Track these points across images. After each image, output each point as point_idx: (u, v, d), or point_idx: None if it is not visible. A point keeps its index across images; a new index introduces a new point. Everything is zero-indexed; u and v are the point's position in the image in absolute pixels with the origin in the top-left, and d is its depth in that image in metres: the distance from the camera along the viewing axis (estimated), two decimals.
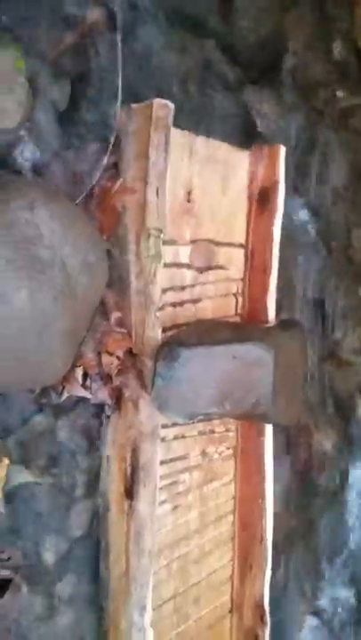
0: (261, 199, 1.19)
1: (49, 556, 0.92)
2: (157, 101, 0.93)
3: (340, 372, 1.53)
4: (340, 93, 1.43)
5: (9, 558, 0.83)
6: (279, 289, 1.26)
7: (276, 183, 1.17)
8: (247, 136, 1.25)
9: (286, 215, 1.22)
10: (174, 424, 1.06)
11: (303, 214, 1.43)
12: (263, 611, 1.16)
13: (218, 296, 1.15)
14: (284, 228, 1.19)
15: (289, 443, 1.37)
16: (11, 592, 0.83)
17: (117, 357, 0.89)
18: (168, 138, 0.95)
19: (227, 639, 1.19)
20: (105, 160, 0.89)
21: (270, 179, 1.17)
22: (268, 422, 1.05)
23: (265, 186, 1.19)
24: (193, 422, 1.04)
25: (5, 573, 0.84)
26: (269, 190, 1.18)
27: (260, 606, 1.16)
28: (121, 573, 0.96)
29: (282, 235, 1.18)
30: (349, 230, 1.56)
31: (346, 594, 1.48)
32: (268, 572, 1.17)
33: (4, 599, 0.83)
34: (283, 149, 1.17)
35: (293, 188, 1.37)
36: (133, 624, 0.94)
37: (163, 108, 0.94)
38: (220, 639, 1.18)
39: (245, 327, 1.07)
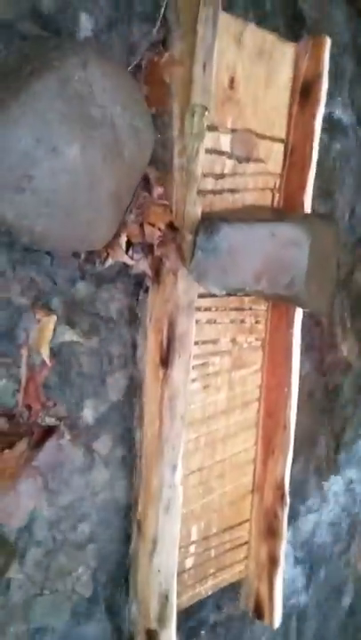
0: (304, 93, 1.19)
1: (88, 414, 0.98)
2: None
3: None
4: None
5: (55, 404, 0.89)
6: (316, 194, 1.28)
7: (319, 76, 1.16)
8: (295, 29, 1.23)
9: (329, 119, 1.22)
10: (207, 309, 1.11)
11: (346, 116, 1.42)
12: (284, 492, 1.23)
13: (256, 189, 1.17)
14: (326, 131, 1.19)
15: (316, 344, 1.41)
16: (56, 437, 0.90)
17: (159, 229, 0.93)
18: (217, 14, 0.95)
19: (247, 516, 1.27)
20: (154, 32, 0.89)
21: (314, 71, 1.17)
22: (300, 305, 1.08)
23: (308, 79, 1.18)
24: (229, 296, 1.08)
25: (51, 421, 0.91)
26: (312, 83, 1.17)
27: (280, 487, 1.23)
28: (154, 436, 1.02)
29: (324, 137, 1.18)
30: None
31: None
32: (290, 457, 1.23)
33: (51, 443, 0.90)
34: (328, 41, 1.16)
35: (341, 94, 1.37)
36: (165, 482, 1.01)
37: None
38: (241, 515, 1.26)
39: (285, 212, 1.09)
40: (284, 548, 1.24)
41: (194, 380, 1.11)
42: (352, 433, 1.52)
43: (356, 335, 1.49)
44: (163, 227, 0.94)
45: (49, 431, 0.89)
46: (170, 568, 1.02)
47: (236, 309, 1.18)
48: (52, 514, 0.96)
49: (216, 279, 0.94)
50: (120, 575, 1.05)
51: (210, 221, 0.93)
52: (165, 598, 1.02)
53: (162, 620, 1.02)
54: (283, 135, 1.21)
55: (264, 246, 0.95)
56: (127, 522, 1.05)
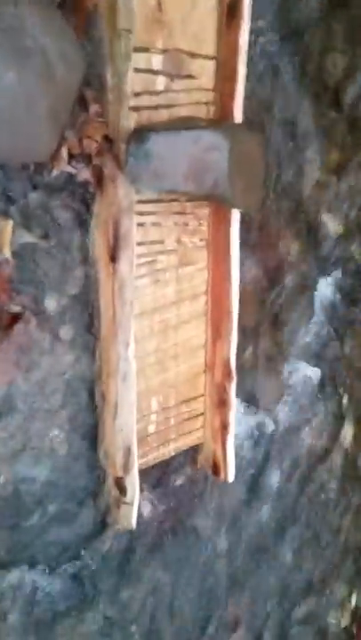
0: (230, 11, 1.31)
1: (51, 306, 1.18)
2: None
3: (309, 189, 1.71)
4: None
5: (19, 294, 1.09)
6: (252, 109, 1.42)
7: None
8: None
9: (259, 35, 1.34)
10: (152, 213, 1.28)
11: (274, 35, 1.53)
12: (230, 369, 1.45)
13: (190, 104, 1.32)
14: (258, 49, 1.31)
15: (258, 244, 1.59)
16: (23, 322, 1.10)
17: (96, 141, 1.09)
18: None
19: (202, 391, 1.49)
20: None
21: None
22: (228, 203, 1.25)
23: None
24: (171, 201, 1.25)
25: (17, 309, 1.10)
26: (237, 1, 1.29)
27: (227, 365, 1.45)
28: (109, 321, 1.22)
29: (256, 54, 1.31)
30: (324, 55, 1.66)
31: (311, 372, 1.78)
32: (235, 340, 1.44)
33: (19, 327, 1.10)
34: None
35: (268, 11, 1.48)
36: (120, 357, 1.22)
37: None
38: (195, 391, 1.48)
39: (209, 121, 1.24)
40: (233, 416, 1.47)
41: (144, 276, 1.30)
42: (294, 325, 1.72)
43: (296, 233, 1.67)
44: (99, 139, 1.10)
45: (16, 317, 1.09)
46: (130, 426, 1.25)
47: (179, 213, 1.35)
48: (27, 388, 1.17)
49: (149, 182, 1.11)
50: (90, 436, 1.28)
51: (140, 131, 1.09)
52: (128, 451, 1.25)
53: (126, 468, 1.26)
54: (213, 52, 1.34)
55: (188, 151, 1.11)
56: (92, 394, 1.27)
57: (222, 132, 1.15)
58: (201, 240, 1.42)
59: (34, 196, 1.12)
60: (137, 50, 1.16)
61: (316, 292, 1.77)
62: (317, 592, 2.02)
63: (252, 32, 1.33)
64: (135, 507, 1.28)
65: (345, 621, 2.13)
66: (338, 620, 2.12)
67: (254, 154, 1.27)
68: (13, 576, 1.20)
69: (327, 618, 2.09)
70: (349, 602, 2.13)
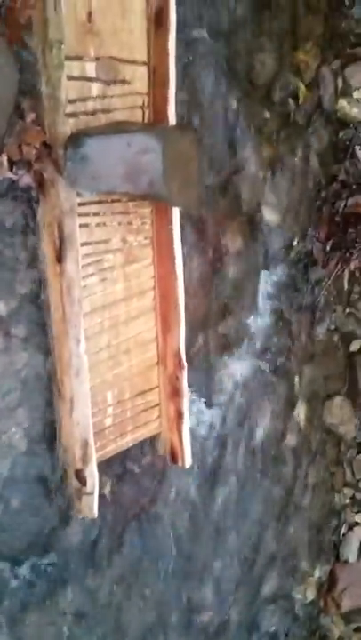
0: (157, 19, 1.38)
1: (1, 307, 1.22)
2: None
3: (247, 184, 1.80)
4: None
5: None
6: (186, 110, 1.49)
7: (167, 2, 1.35)
8: None
9: (191, 40, 1.41)
10: (96, 214, 1.34)
11: (205, 39, 1.61)
12: (181, 359, 1.51)
13: (126, 108, 1.38)
14: (189, 51, 1.38)
15: (201, 239, 1.67)
16: None
17: (35, 147, 1.14)
18: None
19: (156, 383, 1.55)
20: None
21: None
22: (166, 201, 1.32)
23: (159, 6, 1.37)
24: (113, 202, 1.31)
25: None
26: (163, 9, 1.36)
27: (177, 355, 1.51)
28: (60, 319, 1.28)
29: (187, 56, 1.37)
30: (252, 54, 1.75)
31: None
32: (183, 331, 1.50)
33: None
34: None
35: (198, 17, 1.55)
36: (72, 353, 1.28)
37: None
38: (150, 383, 1.54)
39: (143, 125, 1.31)
40: (187, 405, 1.54)
41: (92, 275, 1.36)
42: (241, 315, 1.81)
43: (238, 228, 1.75)
44: (38, 145, 1.15)
45: None
46: (86, 419, 1.30)
47: (122, 213, 1.41)
48: None
49: (87, 184, 1.17)
50: (48, 431, 1.33)
51: (76, 136, 1.15)
52: (85, 443, 1.31)
53: (85, 460, 1.31)
54: (145, 58, 1.41)
55: (123, 154, 1.17)
56: (48, 390, 1.32)
57: (155, 134, 1.22)
58: (145, 238, 1.48)
59: None
60: (70, 58, 1.22)
61: (260, 282, 1.86)
62: (282, 569, 2.10)
63: (181, 36, 1.40)
64: (96, 496, 1.33)
65: (310, 595, 2.23)
66: (303, 594, 2.21)
67: (188, 154, 1.34)
68: None
69: (293, 593, 2.18)
70: (312, 575, 2.23)
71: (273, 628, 2.13)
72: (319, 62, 1.98)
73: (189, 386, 1.56)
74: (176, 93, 1.39)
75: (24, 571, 1.32)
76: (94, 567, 1.47)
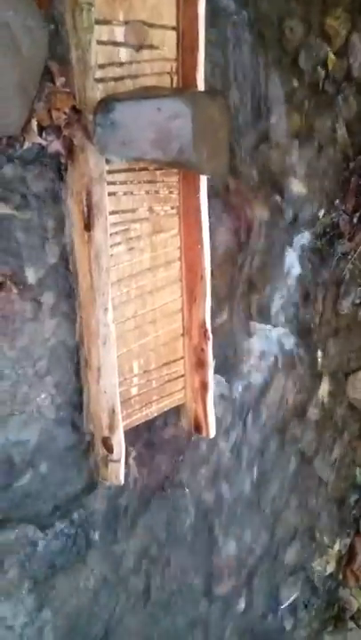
0: None
1: (31, 275, 1.23)
2: None
3: (275, 154, 1.77)
4: None
5: None
6: (215, 77, 1.46)
7: None
8: None
9: (219, 6, 1.38)
10: (123, 182, 1.33)
11: (233, 4, 1.57)
12: (206, 329, 1.51)
13: (154, 74, 1.36)
14: (217, 17, 1.34)
15: (228, 209, 1.65)
16: (4, 292, 1.15)
17: (65, 113, 1.13)
18: None
19: (181, 354, 1.56)
20: None
21: None
22: (195, 169, 1.30)
23: None
24: (142, 170, 1.30)
25: None
26: None
27: (203, 326, 1.51)
28: (88, 287, 1.28)
29: (215, 22, 1.34)
30: (282, 20, 1.71)
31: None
32: (209, 302, 1.50)
33: (0, 296, 1.15)
34: None
35: None
36: (100, 322, 1.28)
37: None
38: (175, 354, 1.54)
39: (173, 90, 1.29)
40: (212, 376, 1.54)
41: (119, 244, 1.35)
42: (267, 287, 1.79)
43: (264, 198, 1.73)
44: (68, 110, 1.14)
45: None
46: (113, 388, 1.31)
47: (150, 182, 1.40)
48: (12, 354, 1.22)
49: (117, 151, 1.16)
50: (76, 399, 1.34)
51: (105, 101, 1.13)
52: (112, 411, 1.32)
53: (112, 428, 1.32)
54: (174, 23, 1.38)
55: (153, 119, 1.16)
56: (76, 359, 1.33)
57: (185, 99, 1.20)
58: (172, 208, 1.47)
59: (8, 169, 1.15)
60: (99, 22, 1.20)
61: (286, 255, 1.84)
62: (303, 541, 2.12)
63: (210, 0, 1.37)
64: (122, 464, 1.35)
65: (330, 568, 2.25)
66: (323, 567, 2.23)
67: (218, 120, 1.32)
68: (8, 534, 1.26)
69: (313, 565, 2.20)
70: (332, 548, 2.25)
71: (292, 598, 2.15)
72: (349, 29, 1.92)
73: (213, 357, 1.55)
74: (204, 60, 1.37)
75: (50, 536, 1.34)
76: (119, 533, 1.49)
